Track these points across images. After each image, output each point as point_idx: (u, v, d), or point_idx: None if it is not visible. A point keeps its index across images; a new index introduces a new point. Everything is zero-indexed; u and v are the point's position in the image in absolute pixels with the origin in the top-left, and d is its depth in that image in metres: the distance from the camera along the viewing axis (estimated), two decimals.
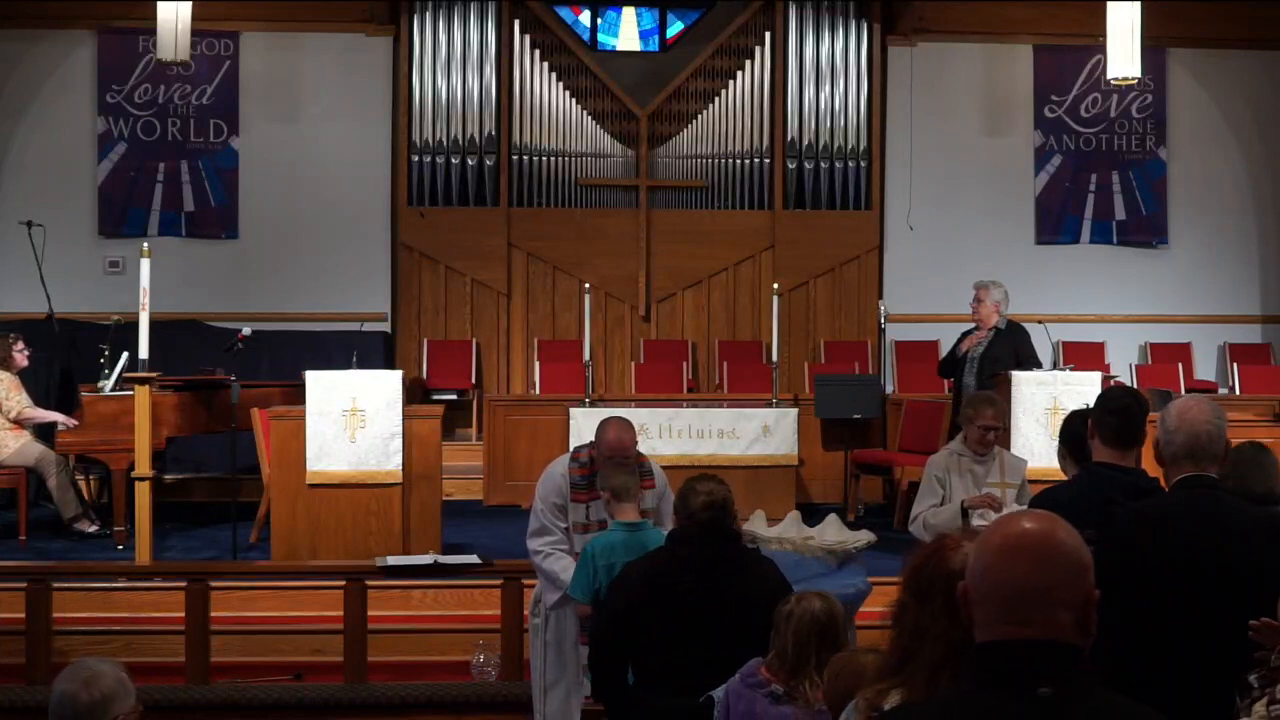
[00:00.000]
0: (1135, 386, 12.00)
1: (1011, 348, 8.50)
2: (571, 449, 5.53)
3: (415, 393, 11.35)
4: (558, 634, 5.18)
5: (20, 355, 8.88)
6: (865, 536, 5.56)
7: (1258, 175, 12.99)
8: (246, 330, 8.97)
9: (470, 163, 12.27)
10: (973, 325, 8.73)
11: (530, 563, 5.39)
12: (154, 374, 7.58)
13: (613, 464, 4.99)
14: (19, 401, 8.67)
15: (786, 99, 12.54)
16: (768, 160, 12.53)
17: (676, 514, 4.19)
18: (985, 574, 1.90)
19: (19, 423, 8.68)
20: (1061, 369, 8.86)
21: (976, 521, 5.55)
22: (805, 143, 12.48)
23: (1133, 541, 3.21)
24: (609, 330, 12.47)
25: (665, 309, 12.62)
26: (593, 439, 5.27)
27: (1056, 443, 4.63)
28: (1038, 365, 8.64)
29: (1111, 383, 10.04)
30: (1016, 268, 12.17)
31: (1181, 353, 12.58)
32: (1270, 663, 3.07)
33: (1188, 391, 11.62)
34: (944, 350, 9.73)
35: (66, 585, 6.66)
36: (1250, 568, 3.17)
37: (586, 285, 10.27)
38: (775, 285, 10.85)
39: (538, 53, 12.45)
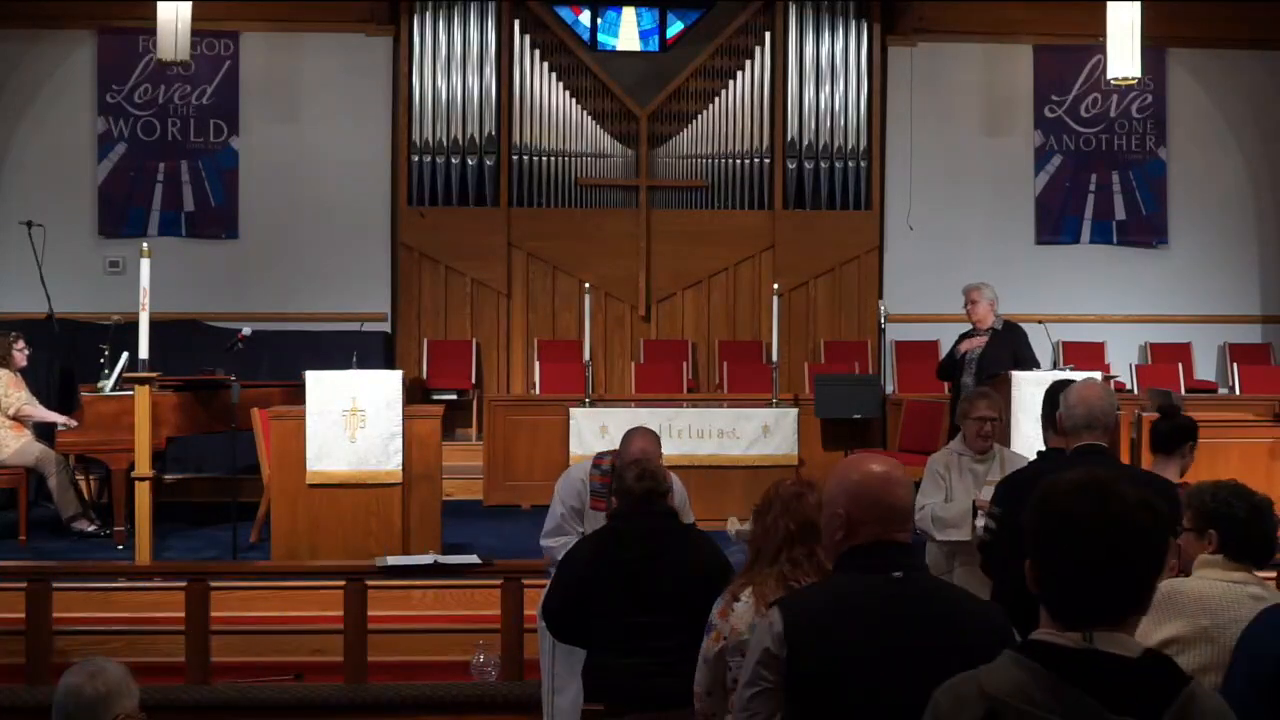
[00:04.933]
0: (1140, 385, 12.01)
1: (1010, 348, 8.50)
2: (594, 455, 5.54)
3: (415, 393, 11.35)
4: None
5: (20, 354, 8.88)
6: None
7: (1258, 175, 12.99)
8: (246, 330, 8.98)
9: (470, 163, 12.27)
10: (970, 327, 8.74)
11: (537, 562, 5.50)
12: (154, 374, 7.58)
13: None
14: (19, 398, 8.67)
15: (786, 99, 12.54)
16: (768, 160, 12.53)
17: (616, 496, 4.47)
18: (869, 498, 2.66)
19: (19, 419, 8.68)
20: (1061, 369, 8.85)
21: (979, 523, 5.54)
22: (805, 143, 12.48)
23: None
24: (609, 330, 12.46)
25: (665, 309, 12.62)
26: (615, 447, 5.29)
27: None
28: (1035, 365, 8.63)
29: (1111, 384, 10.06)
30: (1016, 268, 12.19)
31: (1181, 353, 12.58)
32: None
33: (1188, 392, 11.62)
34: (944, 351, 9.73)
35: (66, 585, 6.65)
36: None
37: (586, 285, 10.27)
38: (775, 285, 10.85)
39: (538, 53, 12.45)
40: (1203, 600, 3.36)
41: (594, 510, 5.27)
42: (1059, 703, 1.85)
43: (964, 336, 8.74)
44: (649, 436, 5.17)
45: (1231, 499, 3.55)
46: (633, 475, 4.38)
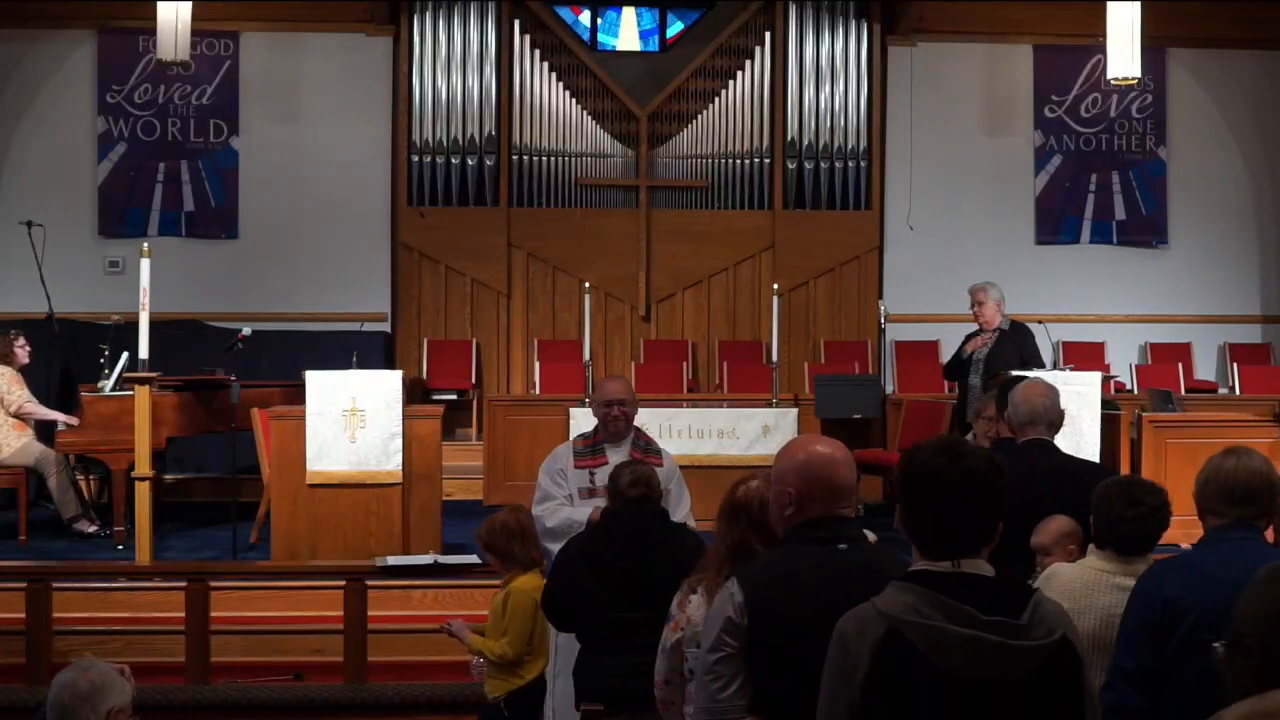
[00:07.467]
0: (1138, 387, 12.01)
1: (1016, 348, 8.48)
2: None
3: (415, 393, 11.35)
4: None
5: (21, 351, 8.90)
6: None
7: (1258, 175, 12.99)
8: (246, 330, 8.97)
9: (470, 163, 12.27)
10: (976, 327, 8.72)
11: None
12: (154, 374, 7.58)
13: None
14: (19, 396, 8.68)
15: (786, 99, 12.54)
16: (768, 160, 12.53)
17: (609, 496, 4.57)
18: (816, 477, 2.92)
19: (20, 417, 8.68)
20: (1061, 369, 8.84)
21: None
22: (805, 143, 12.48)
23: None
24: (609, 330, 12.46)
25: (665, 309, 12.62)
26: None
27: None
28: (1041, 365, 8.62)
29: (1111, 384, 10.06)
30: (1016, 268, 12.17)
31: (1181, 353, 12.58)
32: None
33: (1188, 392, 11.62)
34: (944, 351, 9.76)
35: (66, 585, 6.65)
36: (1062, 504, 4.27)
37: (586, 285, 10.27)
38: (775, 285, 10.85)
39: (538, 53, 12.46)
40: (1068, 585, 3.68)
41: (578, 469, 5.50)
42: (943, 612, 2.31)
43: (971, 336, 8.73)
44: (618, 377, 5.74)
45: (1101, 490, 3.75)
46: (628, 479, 4.44)
